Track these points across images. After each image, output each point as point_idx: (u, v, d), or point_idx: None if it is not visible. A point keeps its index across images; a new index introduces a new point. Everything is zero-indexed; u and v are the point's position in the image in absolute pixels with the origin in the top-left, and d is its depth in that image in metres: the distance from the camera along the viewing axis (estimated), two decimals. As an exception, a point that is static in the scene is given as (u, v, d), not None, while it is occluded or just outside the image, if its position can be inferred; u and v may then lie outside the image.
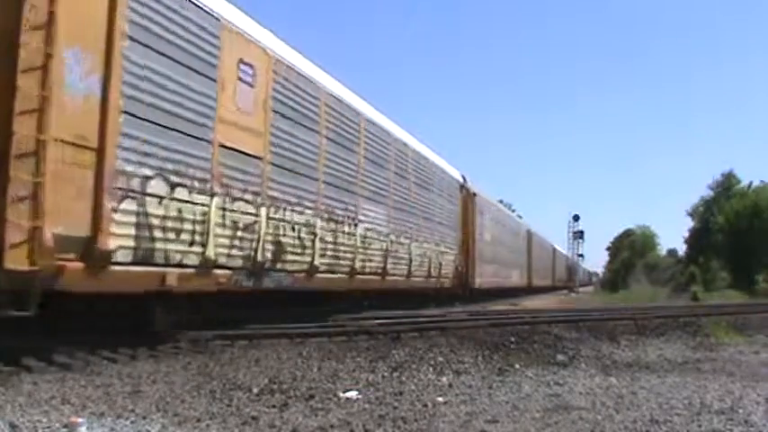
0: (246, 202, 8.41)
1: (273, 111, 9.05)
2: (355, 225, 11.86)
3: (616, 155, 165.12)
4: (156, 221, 6.80)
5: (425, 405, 4.84)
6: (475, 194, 21.39)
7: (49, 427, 3.82)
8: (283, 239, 9.32)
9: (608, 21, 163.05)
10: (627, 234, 70.22)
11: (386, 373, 6.15)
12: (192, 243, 7.37)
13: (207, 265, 7.65)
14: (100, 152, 6.05)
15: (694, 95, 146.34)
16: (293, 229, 9.60)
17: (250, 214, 8.49)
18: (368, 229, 12.50)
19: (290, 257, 9.51)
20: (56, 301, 6.23)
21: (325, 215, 10.65)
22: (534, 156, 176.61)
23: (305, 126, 10.01)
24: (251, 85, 8.54)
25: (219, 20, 7.90)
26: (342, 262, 11.31)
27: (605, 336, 9.63)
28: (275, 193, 9.11)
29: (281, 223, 9.29)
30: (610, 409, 4.80)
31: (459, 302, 19.14)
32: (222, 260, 7.93)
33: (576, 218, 55.59)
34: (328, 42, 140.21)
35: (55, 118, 5.57)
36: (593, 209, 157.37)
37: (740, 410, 4.79)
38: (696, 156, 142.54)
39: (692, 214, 49.20)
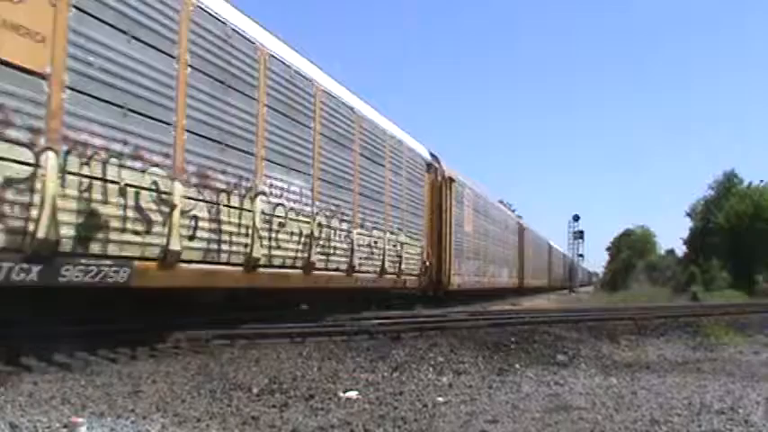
0: (7, 141, 5.42)
1: (75, 7, 6.05)
2: (252, 198, 8.68)
3: (616, 155, 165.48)
4: None
5: (425, 405, 4.84)
6: (452, 179, 18.22)
7: (48, 427, 3.82)
8: (103, 209, 6.26)
9: (608, 21, 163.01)
10: (627, 234, 70.18)
11: (386, 373, 6.15)
12: None
13: None
14: None
15: (694, 96, 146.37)
16: (123, 194, 6.51)
17: (18, 162, 5.50)
18: (276, 206, 9.32)
19: (117, 237, 6.43)
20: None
21: (193, 179, 7.53)
22: (534, 156, 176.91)
23: (146, 43, 6.88)
24: None
25: None
26: (230, 249, 8.22)
27: (605, 336, 9.63)
28: (80, 135, 6.04)
29: (98, 183, 6.22)
30: (610, 409, 4.79)
31: (428, 305, 16.22)
32: None
33: (576, 218, 55.85)
34: (328, 42, 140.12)
35: None
36: (593, 209, 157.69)
37: (740, 410, 4.79)
38: (696, 156, 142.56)
39: (690, 215, 49.24)
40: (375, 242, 13.06)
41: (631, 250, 63.35)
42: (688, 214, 49.41)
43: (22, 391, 4.74)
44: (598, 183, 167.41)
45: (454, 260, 18.28)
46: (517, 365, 6.91)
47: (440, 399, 5.08)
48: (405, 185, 14.95)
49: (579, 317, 12.24)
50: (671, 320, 11.91)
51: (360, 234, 12.26)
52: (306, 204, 10.26)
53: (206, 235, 7.77)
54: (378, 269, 13.21)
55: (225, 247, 8.12)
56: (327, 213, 11.00)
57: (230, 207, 8.23)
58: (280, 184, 9.48)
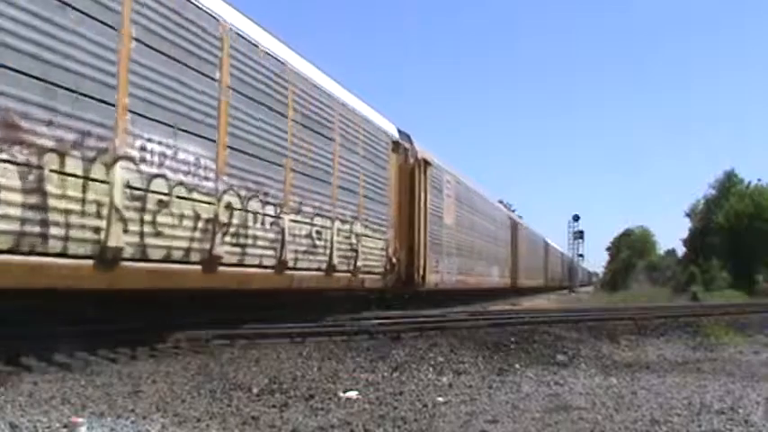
0: None
1: None
2: (107, 164, 6.24)
3: (616, 155, 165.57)
4: None
5: (425, 405, 4.84)
6: (426, 162, 15.76)
7: (48, 427, 3.81)
8: None
9: (608, 21, 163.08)
10: (627, 234, 70.25)
11: (386, 373, 6.15)
12: None
13: None
14: None
15: (694, 96, 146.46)
16: None
17: None
18: (154, 177, 6.89)
19: None
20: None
21: None
22: (534, 156, 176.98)
23: None
24: None
25: None
26: (67, 234, 5.82)
27: (605, 336, 9.62)
28: None
29: None
30: (610, 409, 4.79)
31: (396, 308, 14.19)
32: None
33: (576, 218, 56.00)
34: (326, 42, 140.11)
35: None
36: (593, 209, 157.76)
37: (740, 410, 4.78)
38: (696, 156, 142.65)
39: (689, 215, 49.27)
40: (318, 232, 10.60)
41: (631, 250, 63.41)
42: (687, 214, 49.50)
43: (22, 391, 4.74)
44: (598, 183, 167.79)
45: (430, 256, 15.84)
46: (517, 365, 6.90)
47: (440, 399, 5.08)
48: (363, 166, 12.47)
49: (579, 317, 12.24)
50: (671, 320, 11.90)
51: (294, 222, 9.80)
52: (206, 179, 7.76)
53: (18, 213, 5.38)
54: (324, 266, 10.84)
55: (57, 231, 5.71)
56: (243, 193, 8.49)
57: (65, 175, 5.80)
58: (159, 148, 7.00)
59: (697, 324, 11.15)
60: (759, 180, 43.08)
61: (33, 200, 5.53)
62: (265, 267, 9.07)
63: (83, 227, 6.00)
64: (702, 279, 39.30)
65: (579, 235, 56.92)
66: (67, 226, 5.85)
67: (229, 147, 8.24)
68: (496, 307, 19.74)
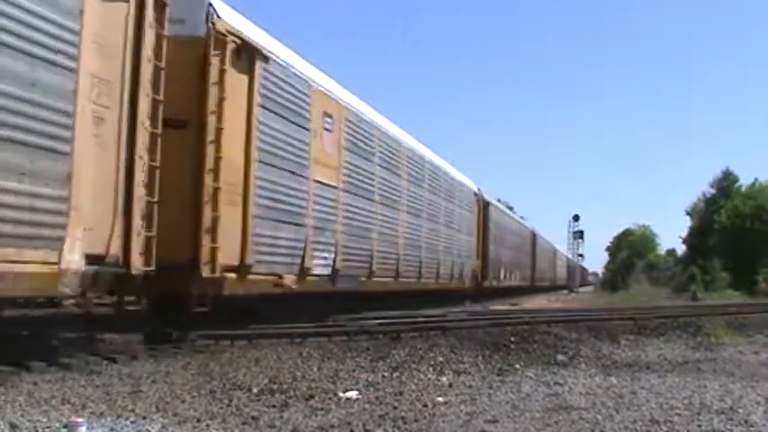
0: None
1: None
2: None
3: (616, 155, 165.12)
4: None
5: (425, 405, 4.84)
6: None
7: (48, 427, 3.82)
8: None
9: (607, 22, 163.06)
10: (627, 234, 70.15)
11: (386, 373, 6.15)
12: None
13: None
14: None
15: (693, 95, 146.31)
16: None
17: None
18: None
19: None
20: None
21: None
22: (534, 156, 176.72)
23: None
24: None
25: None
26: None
27: (605, 336, 9.64)
28: None
29: None
30: (610, 409, 4.80)
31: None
32: None
33: (576, 218, 55.89)
34: (324, 43, 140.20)
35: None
36: (593, 209, 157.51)
37: (740, 410, 4.79)
38: (696, 155, 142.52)
39: (690, 213, 49.14)
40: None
41: (631, 250, 63.35)
42: (688, 213, 49.36)
43: (21, 391, 4.74)
44: (598, 183, 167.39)
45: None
46: (517, 365, 6.91)
47: (440, 399, 5.08)
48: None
49: (579, 317, 12.26)
50: (671, 320, 11.92)
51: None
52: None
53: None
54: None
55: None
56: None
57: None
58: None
59: (697, 324, 11.16)
60: (756, 179, 43.07)
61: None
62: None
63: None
64: (702, 279, 39.23)
65: (579, 235, 56.92)
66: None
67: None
68: (496, 307, 20.02)
